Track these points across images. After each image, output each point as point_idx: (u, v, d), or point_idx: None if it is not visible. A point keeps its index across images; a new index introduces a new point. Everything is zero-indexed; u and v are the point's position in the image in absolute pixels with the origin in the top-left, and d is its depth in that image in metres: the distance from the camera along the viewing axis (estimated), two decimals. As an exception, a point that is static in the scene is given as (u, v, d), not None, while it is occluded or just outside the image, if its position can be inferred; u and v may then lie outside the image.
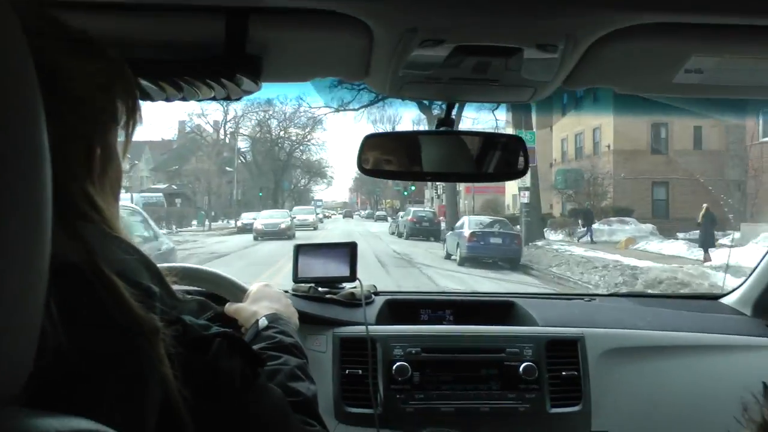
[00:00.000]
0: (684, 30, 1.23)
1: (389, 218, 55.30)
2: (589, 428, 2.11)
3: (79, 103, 0.88)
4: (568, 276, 16.10)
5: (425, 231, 29.39)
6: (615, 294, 3.16)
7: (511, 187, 34.58)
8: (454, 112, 1.64)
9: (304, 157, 57.96)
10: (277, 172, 53.68)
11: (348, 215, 74.39)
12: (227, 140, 50.57)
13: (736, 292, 2.59)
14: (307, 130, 52.31)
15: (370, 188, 75.55)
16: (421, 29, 1.19)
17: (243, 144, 52.97)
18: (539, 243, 21.81)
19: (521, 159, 1.68)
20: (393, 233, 33.63)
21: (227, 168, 49.32)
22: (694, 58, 1.32)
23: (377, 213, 64.71)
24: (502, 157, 1.70)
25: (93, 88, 0.90)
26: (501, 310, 2.43)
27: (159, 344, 0.82)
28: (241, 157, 52.15)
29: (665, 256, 19.31)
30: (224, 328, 0.99)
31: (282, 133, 53.14)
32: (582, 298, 2.69)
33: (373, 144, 1.71)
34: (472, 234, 19.16)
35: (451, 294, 2.84)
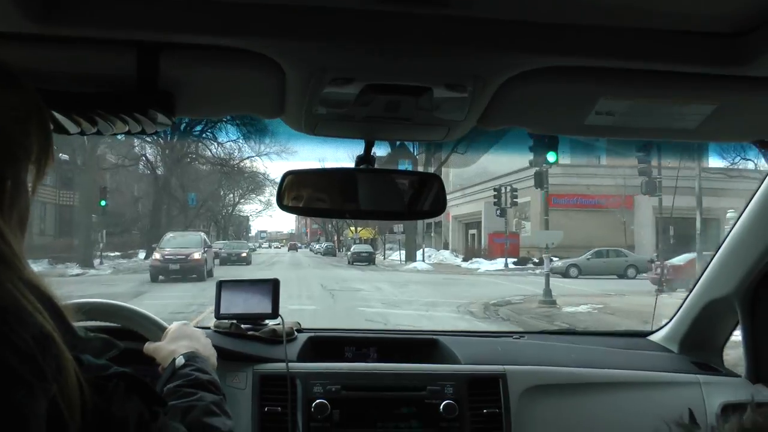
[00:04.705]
0: (590, 73, 1.28)
1: (375, 257, 34.95)
2: None
3: None
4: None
5: None
6: (544, 332, 3.19)
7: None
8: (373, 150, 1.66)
9: (212, 150, 31.95)
10: (169, 167, 29.75)
11: (293, 248, 58.29)
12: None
13: (663, 329, 2.63)
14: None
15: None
16: (330, 68, 1.21)
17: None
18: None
19: (440, 196, 1.70)
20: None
21: (62, 155, 27.28)
22: (603, 101, 1.36)
23: (357, 249, 36.04)
24: (425, 195, 1.72)
25: (9, 120, 0.88)
26: (425, 347, 2.43)
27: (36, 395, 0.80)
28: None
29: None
30: (124, 368, 0.97)
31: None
32: (510, 336, 2.70)
33: (294, 181, 1.71)
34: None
35: (376, 331, 2.83)
